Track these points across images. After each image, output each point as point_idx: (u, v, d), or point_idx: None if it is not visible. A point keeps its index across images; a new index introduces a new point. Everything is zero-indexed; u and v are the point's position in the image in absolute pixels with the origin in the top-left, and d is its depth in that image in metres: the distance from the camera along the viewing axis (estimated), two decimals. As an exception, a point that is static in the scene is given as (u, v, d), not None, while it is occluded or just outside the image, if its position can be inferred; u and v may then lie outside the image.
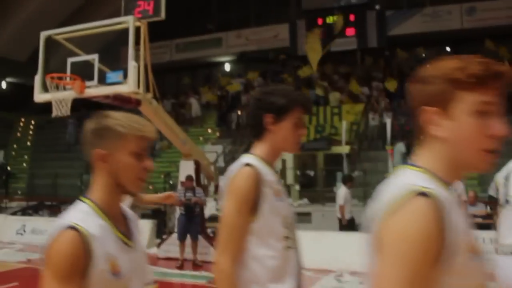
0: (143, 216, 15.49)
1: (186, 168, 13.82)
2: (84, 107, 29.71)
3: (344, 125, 18.70)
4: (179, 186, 13.31)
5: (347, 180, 14.37)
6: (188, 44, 31.06)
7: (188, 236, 12.77)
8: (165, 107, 27.93)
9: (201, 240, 13.14)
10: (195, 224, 12.81)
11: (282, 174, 25.29)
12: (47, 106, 11.45)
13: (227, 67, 31.77)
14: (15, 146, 30.70)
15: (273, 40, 29.23)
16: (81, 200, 2.17)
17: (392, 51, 27.07)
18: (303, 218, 17.56)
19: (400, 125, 20.81)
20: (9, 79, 32.37)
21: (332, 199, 21.52)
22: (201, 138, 24.86)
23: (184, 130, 27.05)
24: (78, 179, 22.56)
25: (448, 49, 27.91)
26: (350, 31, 27.84)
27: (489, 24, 25.89)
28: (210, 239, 13.64)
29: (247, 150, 3.12)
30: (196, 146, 14.72)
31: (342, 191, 14.13)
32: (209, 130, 25.55)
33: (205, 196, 13.09)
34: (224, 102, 26.26)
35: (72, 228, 1.99)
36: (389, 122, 16.58)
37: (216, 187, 15.08)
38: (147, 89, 12.24)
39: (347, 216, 14.00)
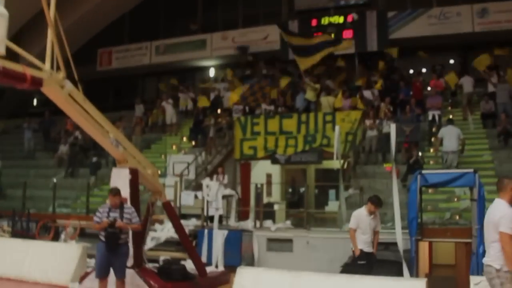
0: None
1: (120, 179, 9.93)
2: (45, 112, 27.50)
3: (336, 134, 14.73)
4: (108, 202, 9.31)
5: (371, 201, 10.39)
6: (169, 46, 27.30)
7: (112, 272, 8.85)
8: (136, 112, 24.45)
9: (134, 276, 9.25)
10: (121, 255, 8.88)
11: (268, 189, 21.52)
12: None
13: (212, 72, 27.90)
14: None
15: (262, 42, 25.46)
16: None
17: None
18: (282, 245, 13.64)
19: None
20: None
21: (323, 222, 17.84)
22: (174, 147, 20.95)
23: (156, 137, 23.74)
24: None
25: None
26: (348, 33, 24.08)
27: (503, 27, 22.11)
28: (148, 275, 9.69)
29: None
30: (136, 150, 10.77)
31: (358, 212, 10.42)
32: (184, 139, 21.61)
33: (138, 217, 9.11)
34: (201, 109, 22.36)
35: None
36: (393, 131, 12.66)
37: (167, 205, 11.11)
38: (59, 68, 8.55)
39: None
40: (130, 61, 28.02)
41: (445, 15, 23.15)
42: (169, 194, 16.19)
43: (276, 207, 16.90)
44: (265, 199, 19.77)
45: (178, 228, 11.22)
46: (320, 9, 24.85)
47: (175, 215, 11.57)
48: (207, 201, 14.68)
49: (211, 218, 14.66)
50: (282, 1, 26.07)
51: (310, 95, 19.72)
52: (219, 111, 22.57)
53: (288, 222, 15.14)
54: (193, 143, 20.99)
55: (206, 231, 14.06)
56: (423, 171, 11.92)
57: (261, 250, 13.88)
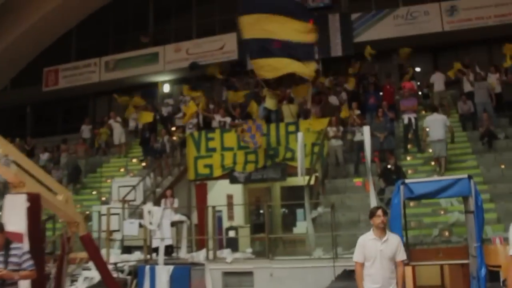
0: None
1: (14, 208, 7.37)
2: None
3: (300, 144, 12.31)
4: None
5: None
6: (119, 62, 24.74)
7: None
8: (83, 133, 21.75)
9: None
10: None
11: (229, 212, 18.97)
12: None
13: (166, 87, 25.36)
14: None
15: (218, 53, 23.07)
16: None
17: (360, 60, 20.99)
18: (241, 280, 11.11)
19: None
20: None
21: (292, 246, 15.44)
22: (122, 170, 18.32)
23: (104, 160, 21.08)
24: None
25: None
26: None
27: (474, 25, 20.21)
28: None
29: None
30: (42, 171, 8.18)
31: (362, 238, 6.76)
32: (134, 160, 18.98)
33: (31, 261, 6.48)
34: (147, 125, 19.61)
35: None
36: (367, 136, 10.35)
37: (85, 239, 8.52)
38: None
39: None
40: (78, 80, 25.34)
41: (412, 14, 21.22)
42: (113, 223, 13.77)
43: (231, 233, 14.24)
44: (227, 223, 17.30)
45: (101, 268, 8.64)
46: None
47: (95, 252, 8.94)
48: (150, 230, 12.07)
49: (156, 250, 12.05)
50: (237, 8, 23.75)
51: (270, 103, 17.32)
52: (173, 128, 19.99)
53: (249, 251, 12.63)
54: (143, 164, 18.37)
55: (147, 267, 11.41)
56: (407, 180, 9.52)
57: (216, 287, 11.29)
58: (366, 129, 10.65)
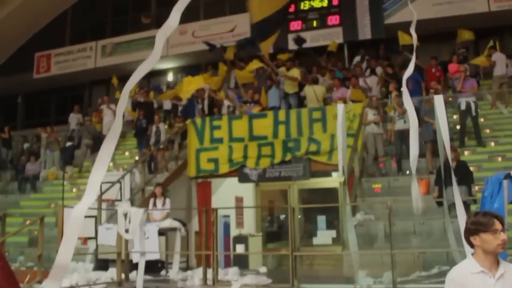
0: None
1: None
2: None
3: (340, 127, 8.57)
4: None
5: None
6: (117, 46, 21.22)
7: None
8: (70, 124, 18.20)
9: None
10: None
11: (238, 218, 15.39)
12: None
13: (170, 76, 21.82)
14: None
15: (228, 35, 19.52)
16: None
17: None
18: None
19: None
20: None
21: (311, 260, 11.89)
22: (110, 164, 14.75)
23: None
24: None
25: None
26: (333, 19, 18.36)
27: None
28: None
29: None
30: None
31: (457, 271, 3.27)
32: (126, 154, 15.41)
33: None
34: (143, 114, 15.84)
35: None
36: (440, 106, 6.68)
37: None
38: None
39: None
40: (72, 66, 21.86)
41: (453, -8, 17.57)
42: (87, 229, 10.25)
43: (239, 248, 10.57)
44: (235, 231, 13.76)
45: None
46: (299, -9, 19.08)
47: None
48: (126, 240, 8.42)
49: (136, 267, 8.40)
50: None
51: (288, 85, 13.66)
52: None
53: (263, 270, 8.99)
54: (136, 158, 14.77)
55: (119, 295, 7.82)
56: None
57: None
58: (439, 99, 6.92)
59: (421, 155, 11.49)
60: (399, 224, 9.32)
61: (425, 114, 11.27)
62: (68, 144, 15.92)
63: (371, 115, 11.54)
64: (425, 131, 11.20)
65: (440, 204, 9.22)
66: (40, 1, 21.31)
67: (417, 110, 11.70)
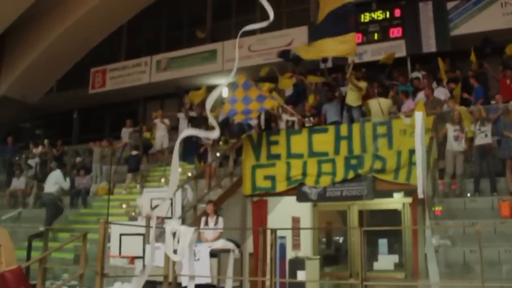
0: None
1: None
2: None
3: (419, 139, 7.48)
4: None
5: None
6: (172, 61, 20.75)
7: None
8: (122, 138, 17.68)
9: None
10: None
11: (294, 240, 14.41)
12: None
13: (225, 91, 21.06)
14: None
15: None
16: None
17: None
18: None
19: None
20: None
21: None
22: (162, 180, 14.06)
23: (143, 168, 16.70)
24: None
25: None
26: (395, 32, 17.31)
27: None
28: None
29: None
30: None
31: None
32: (179, 169, 14.64)
33: None
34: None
35: None
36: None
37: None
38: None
39: None
40: (126, 81, 21.52)
41: (525, 0, 16.26)
42: (136, 247, 9.52)
43: (301, 276, 9.57)
44: (291, 253, 12.76)
45: None
46: (359, 3, 17.98)
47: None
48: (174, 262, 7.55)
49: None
50: (309, -2, 19.52)
51: (351, 97, 12.64)
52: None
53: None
54: (189, 174, 14.00)
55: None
56: None
57: None
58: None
59: (501, 173, 10.33)
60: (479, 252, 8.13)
61: (504, 128, 10.06)
62: (134, 152, 15.48)
63: (451, 131, 10.39)
64: (504, 146, 9.99)
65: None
66: (96, 17, 21.06)
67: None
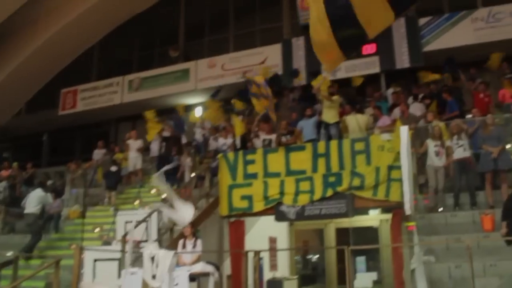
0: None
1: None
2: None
3: (404, 155, 7.34)
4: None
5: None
6: (144, 80, 20.43)
7: None
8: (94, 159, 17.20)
9: None
10: None
11: (272, 260, 14.13)
12: None
13: (198, 111, 20.79)
14: None
15: (259, 67, 18.52)
16: None
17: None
18: None
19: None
20: None
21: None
22: (136, 202, 13.67)
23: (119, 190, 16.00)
24: None
25: None
26: (369, 48, 17.31)
27: None
28: None
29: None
30: None
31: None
32: (153, 191, 14.27)
33: None
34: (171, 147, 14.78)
35: None
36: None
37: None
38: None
39: None
40: (98, 101, 21.09)
41: (494, 16, 16.42)
42: (111, 273, 9.13)
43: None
44: (268, 274, 12.46)
45: None
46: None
47: None
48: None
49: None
50: (283, 15, 19.44)
51: (328, 114, 12.48)
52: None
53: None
54: (163, 196, 13.61)
55: None
56: None
57: None
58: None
59: (480, 187, 10.26)
60: (465, 266, 7.96)
61: (483, 142, 10.00)
62: (113, 168, 15.00)
63: (431, 146, 10.29)
64: (484, 160, 9.93)
65: (510, 242, 7.89)
66: (66, 36, 20.63)
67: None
